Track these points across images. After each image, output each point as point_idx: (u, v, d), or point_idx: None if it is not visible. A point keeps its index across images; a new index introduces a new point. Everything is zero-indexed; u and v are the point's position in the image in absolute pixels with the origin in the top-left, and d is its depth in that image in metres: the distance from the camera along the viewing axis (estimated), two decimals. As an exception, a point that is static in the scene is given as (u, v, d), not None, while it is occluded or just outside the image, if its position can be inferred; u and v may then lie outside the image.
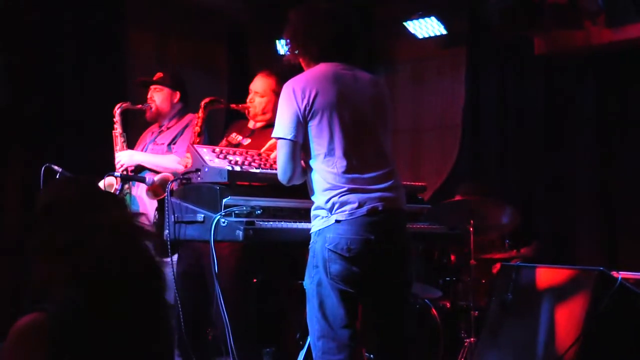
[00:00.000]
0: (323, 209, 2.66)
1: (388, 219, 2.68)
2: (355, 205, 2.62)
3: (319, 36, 2.78)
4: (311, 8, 2.85)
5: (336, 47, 2.79)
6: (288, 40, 2.87)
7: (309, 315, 2.71)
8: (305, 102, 2.66)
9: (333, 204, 2.63)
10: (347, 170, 2.65)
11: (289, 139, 2.67)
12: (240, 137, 3.86)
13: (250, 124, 3.91)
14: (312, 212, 2.72)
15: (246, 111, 3.84)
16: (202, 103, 3.72)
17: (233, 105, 3.88)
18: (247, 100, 3.85)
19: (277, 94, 3.81)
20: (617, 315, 3.26)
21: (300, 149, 2.71)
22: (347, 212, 2.62)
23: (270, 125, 3.84)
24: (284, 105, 2.71)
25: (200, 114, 3.71)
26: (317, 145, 2.67)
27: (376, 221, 2.64)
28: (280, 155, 2.72)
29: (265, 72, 3.90)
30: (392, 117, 2.90)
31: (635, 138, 5.44)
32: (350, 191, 2.63)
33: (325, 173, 2.66)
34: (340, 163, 2.65)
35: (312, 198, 2.74)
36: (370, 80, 2.84)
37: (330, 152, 2.66)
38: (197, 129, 3.69)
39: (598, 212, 5.56)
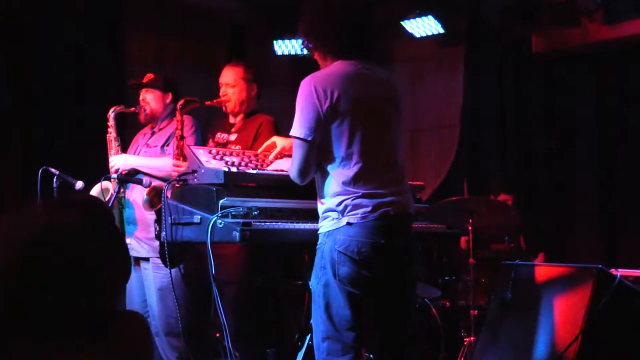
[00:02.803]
0: (334, 210, 2.62)
1: (398, 224, 2.67)
2: (368, 209, 2.59)
3: (337, 31, 2.70)
4: (328, 1, 2.76)
5: (355, 43, 2.71)
6: (303, 35, 2.78)
7: (314, 315, 2.68)
8: (328, 102, 2.58)
9: (345, 206, 2.60)
10: (363, 175, 2.61)
11: (309, 141, 2.61)
12: (225, 135, 3.87)
13: (230, 119, 3.93)
14: (322, 214, 2.68)
15: (222, 106, 3.86)
16: (177, 106, 3.71)
17: (207, 102, 3.86)
18: (220, 95, 3.87)
19: (246, 80, 3.86)
20: (616, 313, 3.26)
21: (316, 149, 2.65)
22: (359, 215, 2.59)
23: (250, 114, 3.86)
24: (304, 103, 2.61)
25: (178, 117, 3.69)
26: (335, 149, 2.62)
27: (387, 225, 2.62)
28: (297, 156, 2.65)
29: (231, 63, 3.95)
30: (405, 119, 2.86)
31: (634, 134, 5.44)
32: (364, 195, 2.60)
33: (339, 176, 2.62)
34: (356, 167, 2.61)
35: (322, 199, 2.69)
36: (388, 80, 2.80)
37: (347, 157, 2.62)
38: (178, 132, 3.66)
39: (598, 210, 5.57)
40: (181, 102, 3.69)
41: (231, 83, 3.86)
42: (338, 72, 2.67)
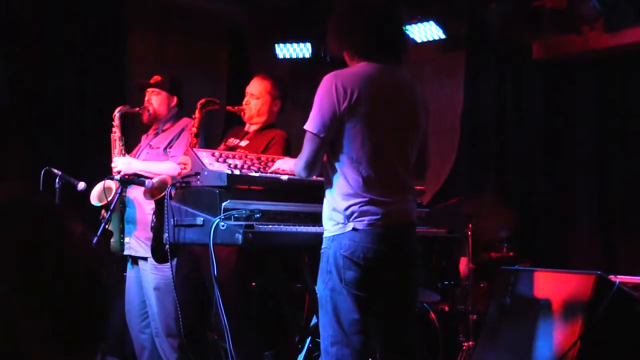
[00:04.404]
0: (340, 214, 2.62)
1: (403, 231, 2.69)
2: (375, 217, 2.60)
3: (367, 31, 2.69)
4: (362, 2, 2.76)
5: (384, 45, 2.70)
6: (334, 32, 2.76)
7: (321, 320, 2.68)
8: (346, 102, 2.58)
9: (352, 212, 2.60)
10: (373, 180, 2.61)
11: (321, 137, 2.61)
12: (237, 141, 3.89)
13: (246, 127, 3.95)
14: (327, 215, 2.68)
15: (242, 113, 3.88)
16: (198, 104, 3.75)
17: (229, 107, 3.93)
18: (243, 103, 3.89)
19: (272, 95, 3.88)
20: (615, 319, 3.27)
21: (327, 146, 2.65)
22: (365, 222, 2.59)
23: (266, 127, 3.88)
24: (322, 99, 2.61)
25: (197, 115, 3.73)
26: (348, 148, 2.62)
27: (392, 233, 2.63)
28: (307, 149, 2.66)
29: (260, 75, 3.96)
30: (425, 125, 2.84)
31: (634, 142, 5.46)
32: (372, 202, 2.60)
33: (350, 178, 2.62)
34: (367, 171, 2.61)
35: (329, 198, 2.68)
36: (411, 85, 2.79)
37: (359, 158, 2.61)
38: (194, 129, 3.70)
39: (597, 216, 5.57)
40: (202, 100, 3.72)
41: (256, 94, 3.88)
42: (361, 73, 2.66)
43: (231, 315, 3.09)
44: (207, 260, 3.39)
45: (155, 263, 3.81)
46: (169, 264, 3.18)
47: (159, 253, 3.13)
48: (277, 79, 3.97)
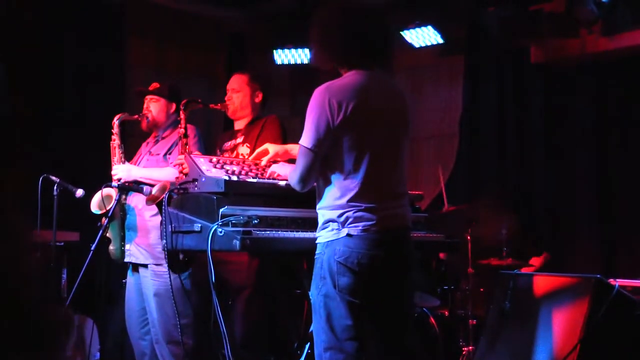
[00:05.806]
0: (335, 221, 2.62)
1: (398, 237, 2.68)
2: (370, 223, 2.59)
3: (357, 40, 2.65)
4: (347, 7, 2.70)
5: (373, 53, 2.68)
6: (318, 40, 2.71)
7: (315, 326, 2.68)
8: (341, 116, 2.56)
9: (347, 218, 2.60)
10: (367, 189, 2.61)
11: (315, 151, 2.60)
12: (233, 141, 3.96)
13: (235, 126, 4.05)
14: (321, 223, 2.68)
15: (225, 110, 3.98)
16: (181, 105, 3.79)
17: (212, 105, 3.99)
18: (225, 100, 3.99)
19: (251, 87, 4.03)
20: (615, 323, 3.26)
21: (321, 160, 2.64)
22: (360, 228, 2.59)
23: (255, 119, 3.98)
24: (316, 114, 2.58)
25: (181, 115, 3.76)
26: (344, 161, 2.61)
27: (387, 238, 2.63)
28: (301, 164, 2.65)
29: (238, 71, 4.11)
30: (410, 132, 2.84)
31: (633, 145, 5.46)
32: (366, 209, 2.60)
33: (344, 189, 2.62)
34: (361, 182, 2.60)
35: (322, 208, 2.69)
36: (399, 93, 2.79)
37: (355, 170, 2.61)
38: (182, 130, 3.73)
39: (597, 219, 5.58)
40: (184, 101, 3.76)
41: (236, 88, 4.01)
42: (353, 84, 2.63)
43: (249, 318, 3.09)
44: (222, 266, 3.42)
45: (155, 269, 3.82)
46: (167, 270, 3.18)
47: (174, 263, 3.12)
48: (254, 72, 4.12)
